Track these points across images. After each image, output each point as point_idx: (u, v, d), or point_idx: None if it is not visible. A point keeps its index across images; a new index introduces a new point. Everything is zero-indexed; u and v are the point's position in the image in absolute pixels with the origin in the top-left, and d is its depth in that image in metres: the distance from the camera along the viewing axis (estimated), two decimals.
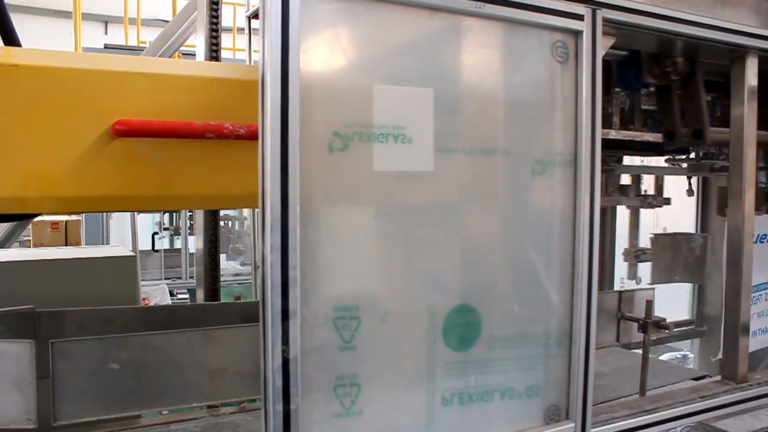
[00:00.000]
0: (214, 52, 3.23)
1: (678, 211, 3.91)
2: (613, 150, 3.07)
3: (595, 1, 1.86)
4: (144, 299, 6.42)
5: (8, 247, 4.17)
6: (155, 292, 7.37)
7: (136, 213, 8.04)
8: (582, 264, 1.86)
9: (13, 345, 2.12)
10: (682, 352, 6.27)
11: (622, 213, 4.63)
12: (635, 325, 3.18)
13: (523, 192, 1.83)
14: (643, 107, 3.10)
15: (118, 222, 9.06)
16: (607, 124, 2.84)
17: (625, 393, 3.02)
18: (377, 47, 1.60)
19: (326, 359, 1.54)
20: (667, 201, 3.64)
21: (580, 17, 1.83)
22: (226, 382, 2.39)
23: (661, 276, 3.60)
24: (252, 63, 4.68)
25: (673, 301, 4.71)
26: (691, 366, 5.02)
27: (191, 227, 8.89)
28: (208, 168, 1.86)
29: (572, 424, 1.90)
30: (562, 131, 1.85)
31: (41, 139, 1.65)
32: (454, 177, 1.71)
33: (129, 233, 8.33)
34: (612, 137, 2.68)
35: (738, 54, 2.39)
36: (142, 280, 6.42)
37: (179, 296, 8.71)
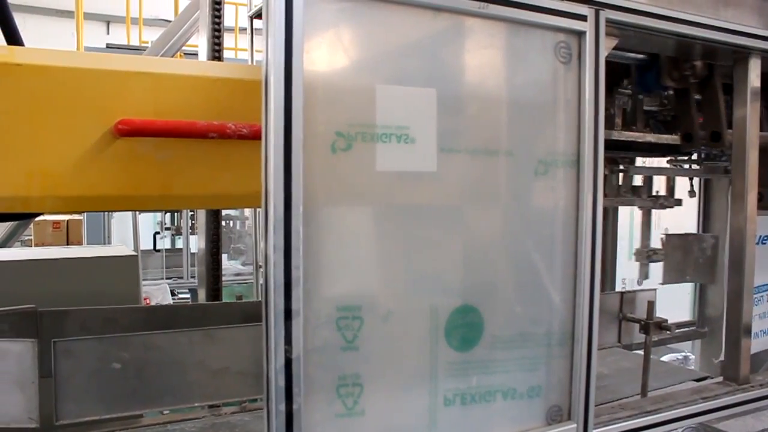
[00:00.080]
0: (216, 52, 3.22)
1: (679, 211, 3.92)
2: (616, 151, 3.08)
3: (598, 2, 1.86)
4: (145, 299, 6.42)
5: (10, 247, 4.17)
6: (156, 292, 7.37)
7: (137, 212, 8.04)
8: (584, 264, 1.85)
9: (15, 344, 2.12)
10: (683, 353, 6.27)
11: (623, 214, 4.64)
12: (637, 326, 3.18)
13: (525, 192, 1.83)
14: (645, 108, 3.13)
15: (120, 221, 9.06)
16: (613, 125, 2.88)
17: (625, 394, 3.02)
18: (380, 47, 1.60)
19: (329, 359, 1.54)
20: (679, 202, 3.69)
21: (583, 18, 1.83)
22: (228, 381, 2.39)
23: (673, 276, 3.64)
24: (254, 63, 4.68)
25: (675, 303, 4.71)
26: (692, 367, 5.02)
27: (192, 227, 8.90)
28: (211, 168, 1.86)
29: (574, 425, 1.90)
30: (565, 132, 1.85)
31: (44, 139, 1.65)
32: (457, 177, 1.71)
33: (130, 233, 8.33)
34: (623, 138, 2.71)
35: (741, 55, 2.39)
36: (144, 279, 6.42)
37: (180, 296, 8.71)
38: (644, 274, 3.68)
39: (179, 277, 9.18)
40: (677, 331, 4.07)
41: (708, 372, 3.89)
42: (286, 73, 1.39)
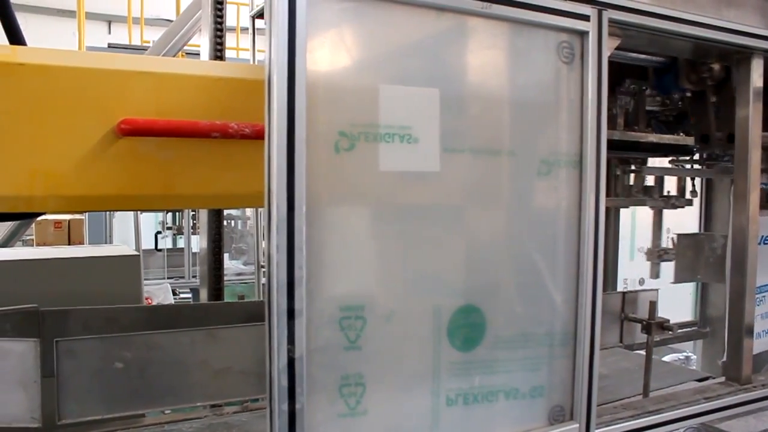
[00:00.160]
0: (218, 52, 3.22)
1: (681, 211, 3.92)
2: (619, 151, 3.09)
3: (601, 2, 1.86)
4: (147, 298, 6.42)
5: (11, 246, 4.17)
6: (158, 292, 7.38)
7: (139, 212, 8.05)
8: (587, 265, 1.85)
9: (17, 344, 2.12)
10: (685, 354, 6.26)
11: (625, 214, 4.64)
12: (638, 326, 3.18)
13: (528, 193, 1.83)
14: (647, 108, 3.14)
15: (121, 221, 9.06)
16: (615, 125, 2.90)
17: (624, 395, 3.02)
18: (383, 47, 1.60)
19: (331, 359, 1.54)
20: (690, 202, 3.73)
21: (586, 18, 1.83)
22: (230, 381, 2.39)
23: (684, 275, 3.68)
24: (256, 62, 4.68)
25: (676, 303, 4.71)
26: (694, 367, 5.02)
27: (194, 226, 8.91)
28: (213, 167, 1.86)
29: (576, 425, 1.90)
30: (568, 132, 1.85)
31: (47, 138, 1.64)
32: (459, 177, 1.71)
33: (132, 232, 8.34)
34: (625, 138, 2.74)
35: (743, 55, 2.39)
36: (145, 279, 6.43)
37: (182, 295, 8.71)
38: (655, 273, 3.73)
39: (180, 277, 9.18)
40: (679, 331, 4.07)
41: (710, 372, 3.89)
42: (290, 73, 1.39)
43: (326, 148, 1.49)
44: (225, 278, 3.49)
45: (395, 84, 1.60)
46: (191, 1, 4.20)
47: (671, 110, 3.36)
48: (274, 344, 1.41)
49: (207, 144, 1.80)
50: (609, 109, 2.24)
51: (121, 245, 4.76)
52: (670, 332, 3.21)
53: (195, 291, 8.56)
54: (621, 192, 3.44)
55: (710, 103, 2.75)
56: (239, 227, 9.60)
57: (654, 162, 3.84)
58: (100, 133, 1.70)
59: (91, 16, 10.31)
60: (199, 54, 3.51)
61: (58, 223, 6.35)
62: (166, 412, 2.73)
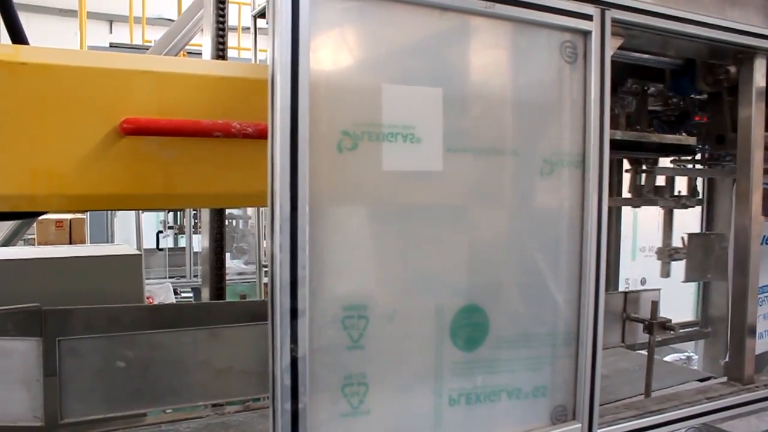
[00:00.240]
0: (220, 51, 3.23)
1: (683, 211, 3.93)
2: (621, 151, 3.10)
3: (604, 2, 1.86)
4: (148, 298, 6.43)
5: (13, 245, 4.18)
6: (159, 291, 7.39)
7: (140, 211, 8.06)
8: (590, 264, 1.85)
9: (20, 343, 2.13)
10: (686, 354, 6.27)
11: (626, 214, 4.64)
12: (640, 326, 3.19)
13: (531, 192, 1.82)
14: (649, 108, 3.15)
15: (123, 221, 9.08)
16: (618, 125, 2.92)
17: (624, 395, 3.02)
18: (387, 46, 1.60)
19: (334, 358, 1.53)
20: (700, 201, 3.74)
21: (589, 17, 1.83)
22: (232, 381, 2.40)
23: (694, 274, 3.71)
24: (257, 62, 4.68)
25: (678, 303, 4.71)
26: (695, 367, 5.02)
27: (195, 226, 8.92)
28: (215, 166, 1.86)
29: (579, 425, 1.89)
30: (571, 132, 1.84)
31: (49, 137, 1.64)
32: (462, 177, 1.71)
33: (133, 232, 8.36)
34: (627, 138, 2.76)
35: (746, 55, 2.39)
36: (147, 278, 6.43)
37: (183, 295, 8.73)
38: (666, 273, 3.75)
39: (182, 276, 9.20)
40: (680, 331, 4.08)
41: (711, 372, 3.89)
42: (293, 72, 1.38)
43: (329, 148, 1.49)
44: (227, 277, 3.50)
45: (398, 83, 1.60)
46: (192, 0, 4.20)
47: (673, 110, 3.37)
48: (277, 343, 1.41)
49: (209, 143, 1.80)
50: (612, 109, 2.24)
51: (122, 245, 4.77)
52: (672, 332, 3.21)
53: (196, 290, 8.58)
54: (632, 192, 3.46)
55: (726, 105, 2.78)
56: (240, 226, 9.61)
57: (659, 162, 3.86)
58: (103, 133, 1.70)
59: (93, 16, 10.30)
60: (200, 53, 3.52)
61: (59, 223, 6.35)
62: (168, 411, 2.73)
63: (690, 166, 3.76)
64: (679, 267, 3.79)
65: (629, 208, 4.04)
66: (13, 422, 2.10)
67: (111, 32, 14.45)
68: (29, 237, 6.53)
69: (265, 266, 5.76)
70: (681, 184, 3.82)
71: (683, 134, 3.39)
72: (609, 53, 1.87)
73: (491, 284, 1.79)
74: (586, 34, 1.84)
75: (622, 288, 4.86)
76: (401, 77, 1.61)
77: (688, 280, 3.71)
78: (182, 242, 9.84)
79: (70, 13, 11.67)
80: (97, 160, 1.70)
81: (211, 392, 2.42)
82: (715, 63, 2.60)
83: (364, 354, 1.57)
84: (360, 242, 1.58)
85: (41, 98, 1.63)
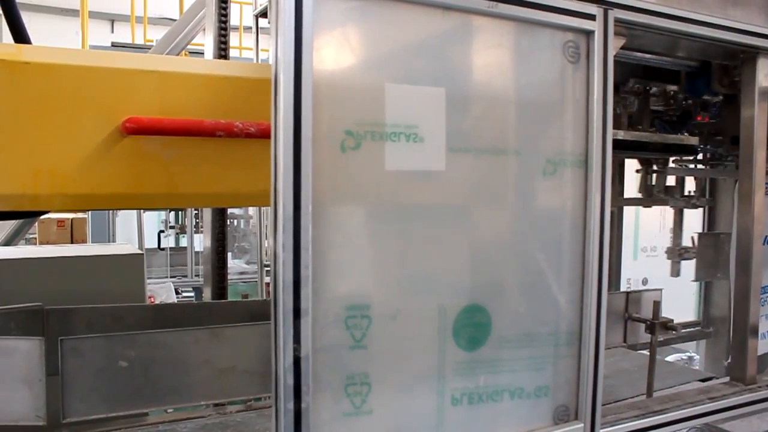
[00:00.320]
0: (222, 51, 3.23)
1: (684, 211, 3.94)
2: (624, 150, 3.10)
3: (607, 1, 1.86)
4: (150, 297, 6.42)
5: (15, 245, 4.18)
6: (161, 290, 7.38)
7: (142, 211, 8.06)
8: (592, 264, 1.85)
9: (22, 342, 2.13)
10: (688, 354, 6.26)
11: (628, 214, 4.64)
12: (642, 326, 3.18)
13: (534, 192, 1.82)
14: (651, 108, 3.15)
15: (124, 220, 9.08)
16: (628, 125, 2.93)
17: (625, 395, 3.02)
18: (390, 46, 1.59)
19: (337, 358, 1.53)
20: (710, 201, 3.73)
21: (591, 17, 1.82)
22: (234, 380, 2.40)
23: (704, 273, 3.71)
24: (259, 61, 4.69)
25: (680, 303, 4.71)
26: (697, 367, 5.02)
27: (197, 225, 8.92)
28: (218, 166, 1.86)
29: (581, 425, 1.89)
30: (573, 131, 1.84)
31: (51, 137, 1.65)
32: (465, 177, 1.71)
33: (135, 231, 8.36)
34: (629, 138, 2.77)
35: (749, 55, 2.38)
36: (148, 278, 6.42)
37: (184, 294, 8.73)
38: (676, 272, 3.77)
39: (183, 276, 9.21)
40: (682, 331, 4.08)
41: (713, 372, 3.90)
42: (296, 72, 1.38)
43: (332, 147, 1.48)
44: (228, 277, 3.50)
45: (401, 83, 1.59)
46: (194, 0, 4.20)
47: (674, 110, 3.37)
48: (280, 343, 1.41)
49: (211, 143, 1.80)
50: (614, 109, 2.24)
51: (124, 244, 4.77)
52: (674, 332, 3.21)
53: (198, 290, 8.59)
54: (643, 192, 3.47)
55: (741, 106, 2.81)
56: (242, 226, 9.62)
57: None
58: (105, 132, 1.70)
59: (95, 15, 10.32)
60: (202, 53, 3.52)
61: (61, 222, 6.34)
62: (170, 411, 2.74)
63: (692, 166, 3.77)
64: (683, 266, 3.81)
65: (630, 207, 4.05)
66: (15, 421, 2.10)
67: (113, 32, 14.45)
68: (31, 236, 6.53)
69: (267, 266, 5.76)
70: (690, 185, 3.84)
71: (685, 134, 3.39)
72: (612, 53, 1.86)
73: (494, 284, 1.79)
74: (588, 33, 1.83)
75: (623, 288, 4.86)
76: (404, 77, 1.61)
77: (698, 279, 3.73)
78: (184, 242, 9.84)
79: (72, 12, 11.69)
80: (99, 160, 1.70)
81: (213, 392, 2.42)
82: (730, 65, 2.60)
83: (366, 354, 1.56)
84: (363, 242, 1.58)
85: (44, 97, 1.63)
